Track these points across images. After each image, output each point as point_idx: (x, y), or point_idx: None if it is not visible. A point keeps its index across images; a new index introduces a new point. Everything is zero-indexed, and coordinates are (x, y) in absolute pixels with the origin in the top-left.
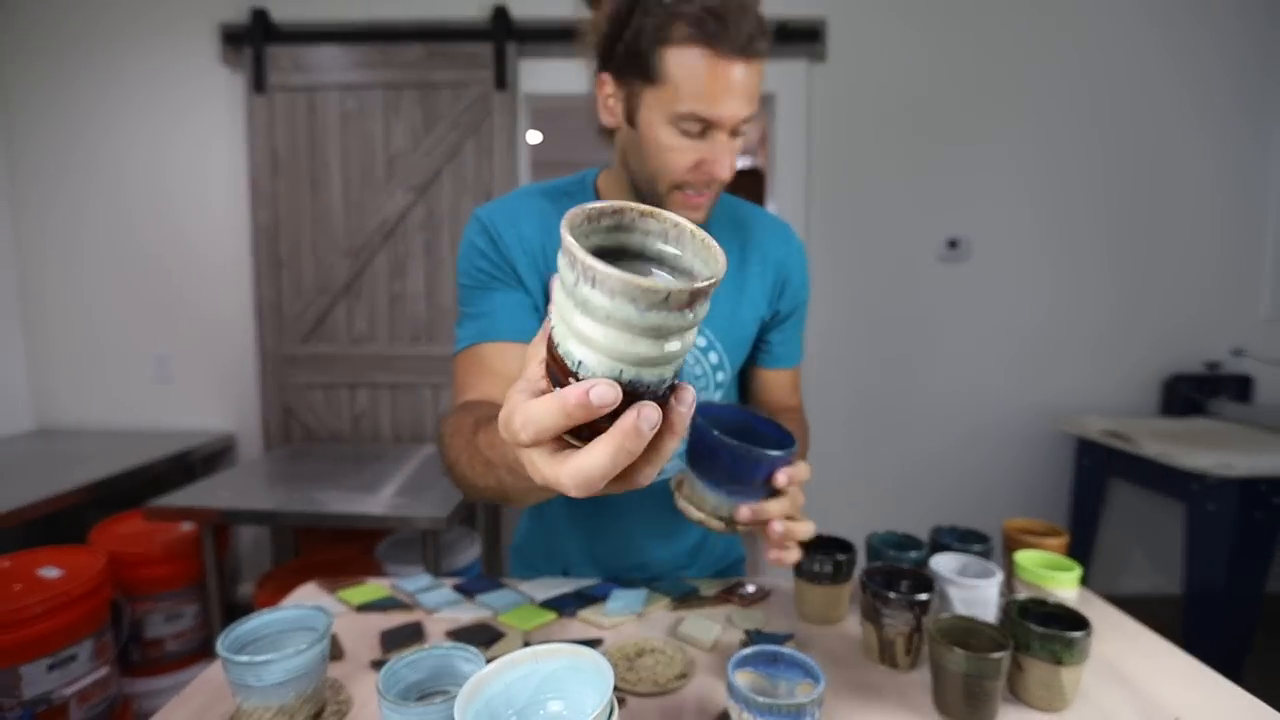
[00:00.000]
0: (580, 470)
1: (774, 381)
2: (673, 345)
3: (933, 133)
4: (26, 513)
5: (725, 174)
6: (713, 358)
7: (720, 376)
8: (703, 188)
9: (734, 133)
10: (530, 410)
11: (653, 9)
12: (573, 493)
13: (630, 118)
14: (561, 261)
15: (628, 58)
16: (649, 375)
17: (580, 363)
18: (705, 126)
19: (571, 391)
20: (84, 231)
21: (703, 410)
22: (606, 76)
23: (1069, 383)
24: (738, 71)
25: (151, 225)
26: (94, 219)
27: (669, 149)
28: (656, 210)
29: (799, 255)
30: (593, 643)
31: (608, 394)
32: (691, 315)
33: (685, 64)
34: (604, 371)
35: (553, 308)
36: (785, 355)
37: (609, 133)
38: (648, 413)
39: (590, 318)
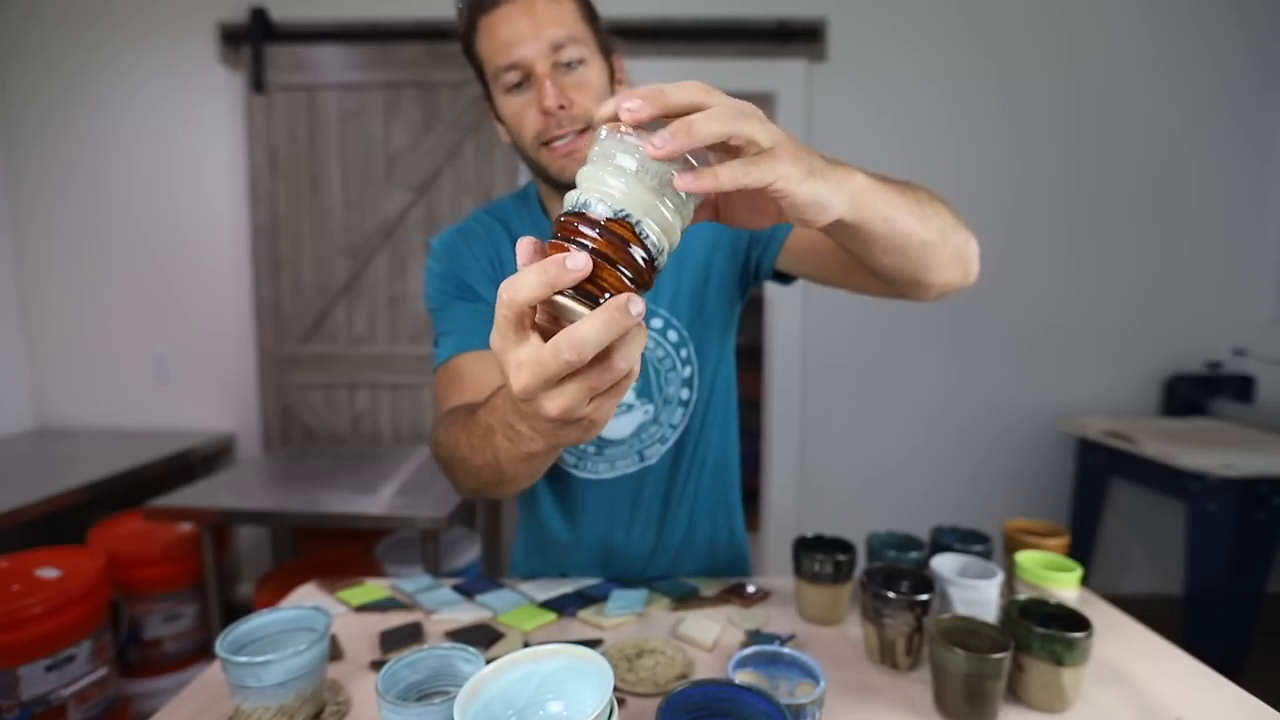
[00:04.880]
0: (573, 335)
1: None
2: (673, 214)
3: (932, 133)
4: (25, 513)
5: (549, 101)
6: (672, 335)
7: (684, 353)
8: (563, 134)
9: (559, 67)
10: (515, 279)
11: (463, 22)
12: (552, 365)
13: (500, 119)
14: (620, 143)
15: (478, 75)
16: (653, 229)
17: (621, 210)
18: (521, 74)
19: (548, 259)
20: (83, 231)
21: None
22: (488, 105)
23: (1070, 382)
24: (510, 11)
25: (150, 225)
26: (93, 218)
27: (514, 114)
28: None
29: None
30: (593, 643)
31: (579, 258)
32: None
33: (482, 38)
34: (631, 205)
35: (590, 171)
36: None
37: (516, 150)
38: (637, 300)
39: (643, 173)
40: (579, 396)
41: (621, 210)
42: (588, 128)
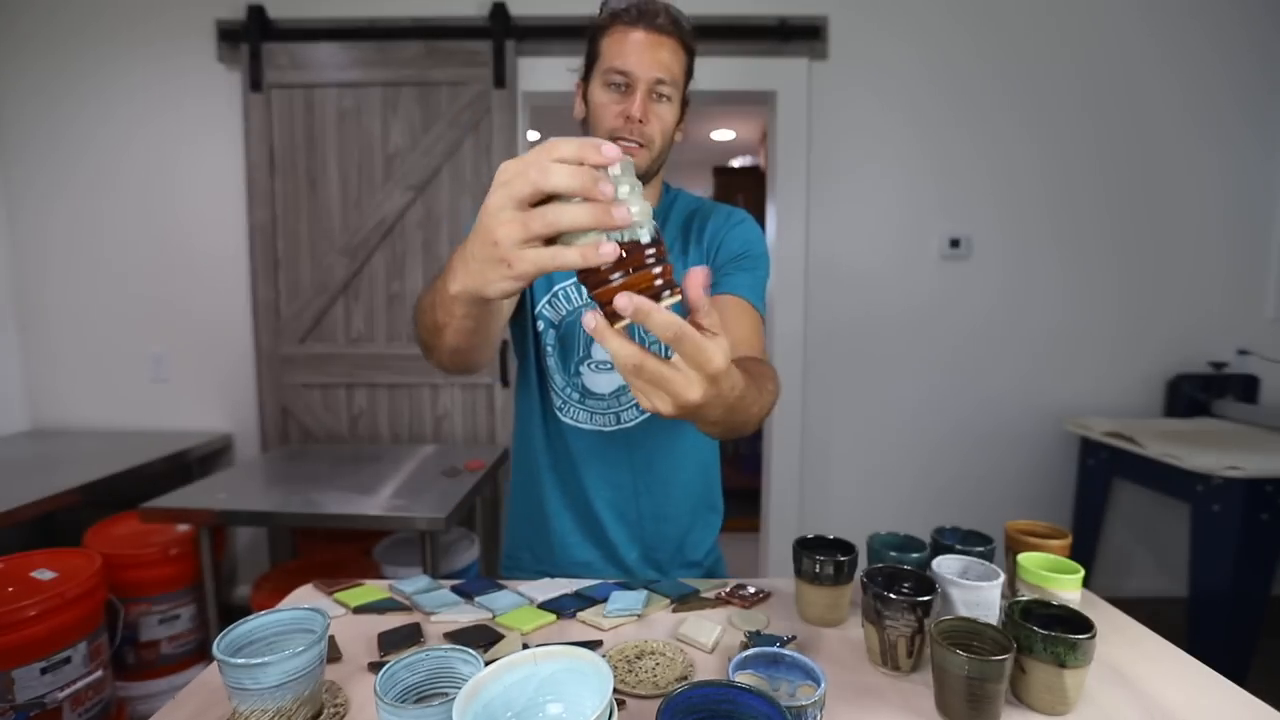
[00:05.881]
0: (559, 207)
1: (718, 306)
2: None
3: (934, 131)
4: (21, 514)
5: (637, 112)
6: None
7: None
8: (634, 140)
9: (652, 94)
10: (553, 167)
11: (600, 18)
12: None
13: (586, 99)
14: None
15: (587, 58)
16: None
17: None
18: (626, 82)
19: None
20: (79, 230)
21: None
22: (580, 82)
23: (1073, 383)
24: (644, 38)
25: (148, 224)
26: (89, 217)
27: (602, 105)
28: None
29: (736, 224)
30: (592, 644)
31: (612, 149)
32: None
33: (610, 39)
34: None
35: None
36: (725, 284)
37: (582, 126)
38: (608, 245)
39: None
40: (517, 232)
41: (643, 229)
42: (644, 144)
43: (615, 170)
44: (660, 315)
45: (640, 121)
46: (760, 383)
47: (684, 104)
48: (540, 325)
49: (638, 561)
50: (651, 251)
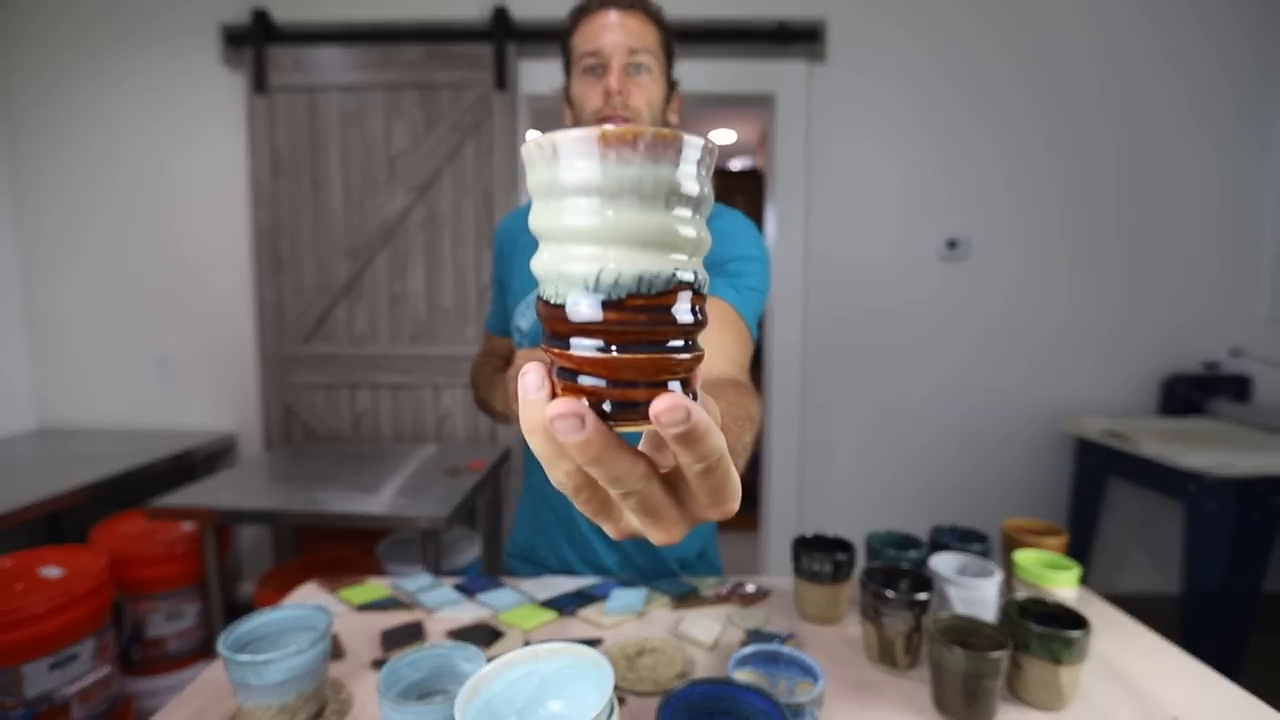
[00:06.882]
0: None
1: None
2: (662, 215)
3: (932, 133)
4: (28, 512)
5: (614, 83)
6: None
7: None
8: (615, 115)
9: (629, 68)
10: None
11: (568, 22)
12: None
13: (570, 101)
14: (534, 179)
15: (565, 65)
16: (642, 266)
17: (568, 293)
18: (599, 63)
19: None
20: (85, 231)
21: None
22: (565, 96)
23: (1069, 382)
24: (610, 16)
25: (153, 225)
26: (95, 218)
27: (582, 92)
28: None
29: (727, 228)
30: (593, 642)
31: (530, 375)
32: (676, 170)
33: (579, 32)
34: (593, 274)
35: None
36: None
37: None
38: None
39: (573, 198)
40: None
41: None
42: (630, 118)
43: (690, 159)
44: (716, 439)
45: (620, 93)
46: (741, 430)
47: (672, 84)
48: (516, 338)
49: (617, 565)
50: (688, 321)
